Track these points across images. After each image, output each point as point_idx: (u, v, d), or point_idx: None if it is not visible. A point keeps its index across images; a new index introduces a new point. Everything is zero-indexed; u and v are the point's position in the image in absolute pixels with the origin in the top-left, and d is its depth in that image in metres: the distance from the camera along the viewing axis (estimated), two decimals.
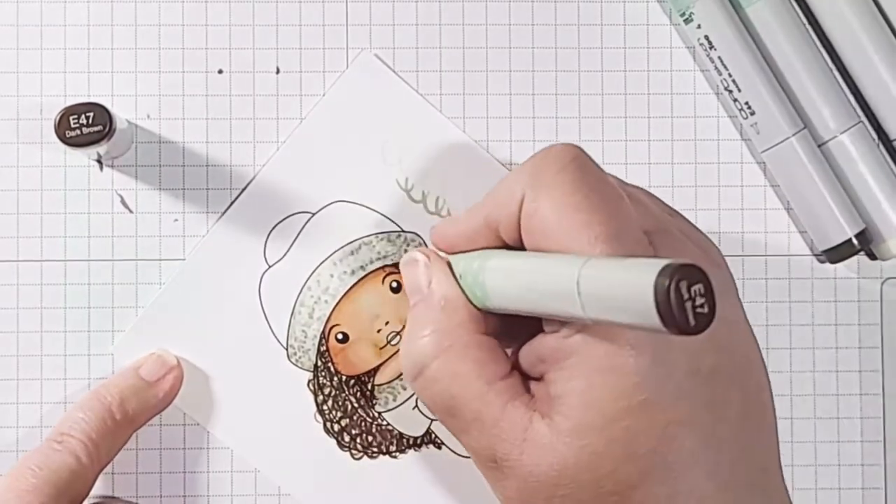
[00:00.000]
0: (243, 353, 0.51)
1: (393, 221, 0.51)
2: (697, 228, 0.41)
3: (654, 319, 0.30)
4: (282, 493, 0.51)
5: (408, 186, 0.51)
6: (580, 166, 0.37)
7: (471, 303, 0.40)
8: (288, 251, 0.51)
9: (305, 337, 0.51)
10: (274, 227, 0.51)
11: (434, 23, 0.52)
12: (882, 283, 0.52)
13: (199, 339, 0.51)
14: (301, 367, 0.51)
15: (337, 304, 0.51)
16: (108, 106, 0.46)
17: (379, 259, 0.51)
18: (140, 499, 0.51)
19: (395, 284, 0.51)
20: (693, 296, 0.30)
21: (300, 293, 0.51)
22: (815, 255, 0.52)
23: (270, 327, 0.51)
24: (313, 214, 0.51)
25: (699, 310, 0.30)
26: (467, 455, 0.51)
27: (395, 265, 0.51)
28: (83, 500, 0.47)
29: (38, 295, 0.51)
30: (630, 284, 0.31)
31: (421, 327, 0.40)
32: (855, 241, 0.50)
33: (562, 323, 0.36)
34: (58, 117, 0.46)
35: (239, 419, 0.51)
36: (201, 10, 0.51)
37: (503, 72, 0.52)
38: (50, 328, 0.51)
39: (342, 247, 0.51)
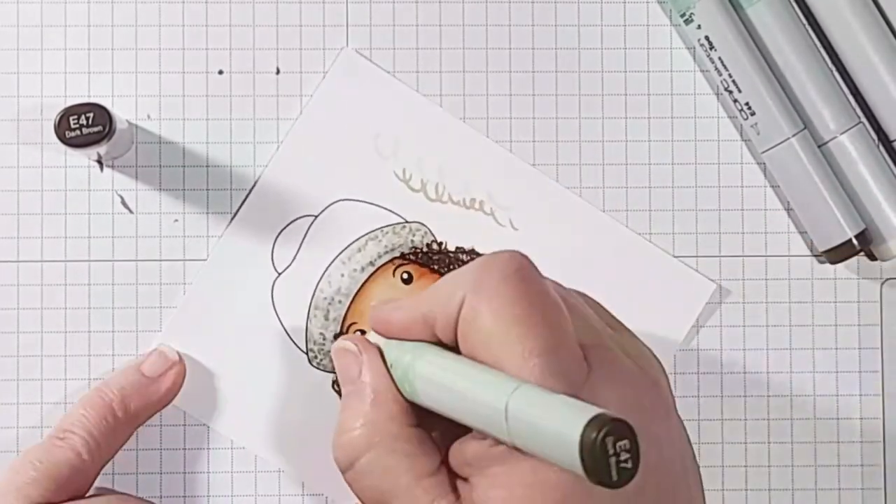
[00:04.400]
0: (264, 364, 0.51)
1: (396, 214, 0.51)
2: (639, 340, 0.41)
3: (577, 467, 0.30)
4: (282, 493, 0.51)
5: (406, 177, 0.51)
6: (523, 278, 0.37)
7: (401, 394, 0.39)
8: (296, 256, 0.51)
9: (325, 339, 0.51)
10: (279, 234, 0.51)
11: (434, 23, 0.52)
12: (882, 284, 0.52)
13: (219, 354, 0.51)
14: (324, 370, 0.51)
15: (351, 302, 0.51)
16: (108, 106, 0.46)
17: (387, 252, 0.51)
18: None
19: (405, 276, 0.51)
20: (618, 451, 0.30)
21: (313, 296, 0.51)
22: (815, 255, 0.52)
23: (288, 334, 0.51)
24: (316, 216, 0.51)
25: (623, 465, 0.30)
26: None
27: (404, 256, 0.51)
28: (83, 495, 0.47)
29: (38, 296, 0.51)
30: (557, 427, 0.31)
31: (352, 419, 0.39)
32: (855, 242, 0.50)
33: None
34: (58, 118, 0.46)
35: (267, 426, 0.51)
36: (201, 10, 0.51)
37: (503, 72, 0.52)
38: (50, 329, 0.51)
39: (349, 245, 0.51)
